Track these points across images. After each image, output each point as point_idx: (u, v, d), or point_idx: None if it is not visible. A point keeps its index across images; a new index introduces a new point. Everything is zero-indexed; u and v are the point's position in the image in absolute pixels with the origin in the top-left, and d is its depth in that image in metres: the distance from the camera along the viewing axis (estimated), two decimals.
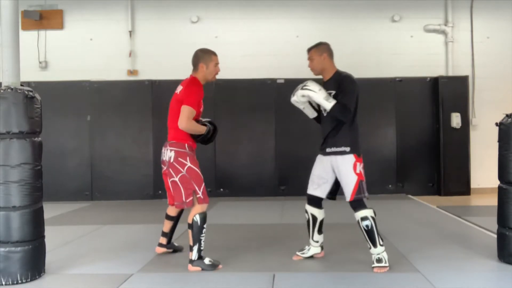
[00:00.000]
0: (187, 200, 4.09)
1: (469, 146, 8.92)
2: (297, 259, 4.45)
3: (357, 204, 4.10)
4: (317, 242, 4.44)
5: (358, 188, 4.06)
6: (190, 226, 4.08)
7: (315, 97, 4.05)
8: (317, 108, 4.34)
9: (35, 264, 3.84)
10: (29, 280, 3.79)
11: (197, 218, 4.06)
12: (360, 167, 4.11)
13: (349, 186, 4.08)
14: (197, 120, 4.21)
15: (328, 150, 4.19)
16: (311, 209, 4.39)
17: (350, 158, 4.09)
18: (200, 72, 4.24)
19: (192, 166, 4.11)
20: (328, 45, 4.36)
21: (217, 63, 4.29)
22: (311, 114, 4.36)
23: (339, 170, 4.13)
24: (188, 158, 4.11)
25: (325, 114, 4.23)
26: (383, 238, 4.14)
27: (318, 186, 4.30)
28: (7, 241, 3.72)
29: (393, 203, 7.86)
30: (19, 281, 3.74)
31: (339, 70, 4.33)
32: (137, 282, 3.88)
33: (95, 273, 4.11)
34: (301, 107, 4.30)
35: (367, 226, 4.03)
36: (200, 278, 3.94)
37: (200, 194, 4.09)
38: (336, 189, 4.31)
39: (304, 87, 4.09)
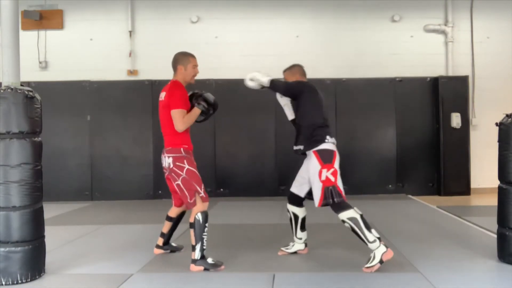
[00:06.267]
0: (191, 201, 4.18)
1: (469, 146, 8.92)
2: (281, 254, 4.59)
3: (334, 208, 4.13)
4: (300, 239, 4.59)
5: (324, 195, 4.10)
6: (192, 225, 4.11)
7: (258, 76, 4.36)
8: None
9: (35, 264, 3.84)
10: (29, 280, 3.79)
11: (199, 217, 4.10)
12: (327, 173, 4.12)
13: (316, 195, 4.17)
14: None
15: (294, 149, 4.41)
16: (292, 208, 4.55)
17: (316, 165, 4.17)
18: (179, 75, 4.34)
19: (190, 168, 4.19)
20: (301, 67, 4.61)
21: (195, 65, 4.36)
22: (290, 115, 4.58)
23: (309, 174, 4.27)
24: (185, 160, 4.19)
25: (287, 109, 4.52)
26: (376, 234, 4.07)
27: (299, 185, 4.46)
28: (7, 241, 3.72)
29: (393, 203, 7.86)
30: (19, 281, 3.75)
31: None
32: (137, 282, 3.88)
33: (95, 273, 4.11)
34: (282, 103, 4.59)
35: (349, 227, 4.07)
36: (200, 278, 3.95)
37: (202, 193, 4.18)
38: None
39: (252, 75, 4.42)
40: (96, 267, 4.28)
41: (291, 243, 4.63)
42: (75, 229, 6.05)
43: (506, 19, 9.10)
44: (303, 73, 4.57)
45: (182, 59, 4.35)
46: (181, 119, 4.13)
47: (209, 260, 4.13)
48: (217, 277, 3.96)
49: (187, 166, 4.17)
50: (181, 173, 4.16)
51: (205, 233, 4.11)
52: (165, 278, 4.01)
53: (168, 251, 4.72)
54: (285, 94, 4.41)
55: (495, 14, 9.17)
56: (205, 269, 4.09)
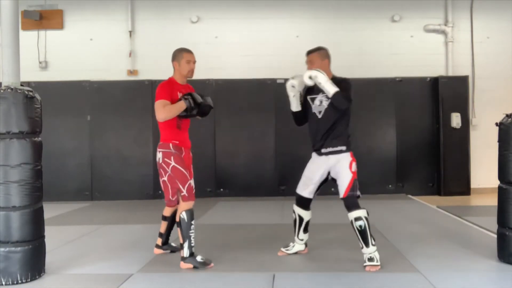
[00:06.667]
0: (173, 198, 4.24)
1: (469, 146, 8.92)
2: (281, 254, 4.57)
3: (351, 203, 4.14)
4: (302, 240, 4.58)
5: (352, 186, 4.14)
6: (179, 224, 4.16)
7: (322, 79, 4.10)
8: (303, 105, 4.43)
9: (35, 264, 3.84)
10: (29, 280, 3.79)
11: (184, 215, 4.12)
12: (355, 166, 4.21)
13: (344, 184, 4.16)
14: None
15: (324, 150, 4.28)
16: (299, 210, 4.52)
17: (347, 157, 4.22)
18: (176, 71, 4.37)
19: (176, 165, 4.18)
20: (328, 50, 4.41)
21: (189, 60, 4.31)
22: (296, 106, 4.40)
23: (336, 169, 4.23)
24: (172, 157, 4.19)
25: (319, 115, 4.29)
26: (375, 238, 4.17)
27: (307, 187, 4.41)
28: (7, 241, 3.72)
29: (393, 203, 7.86)
30: (19, 281, 3.75)
31: (336, 76, 4.37)
32: (137, 282, 3.88)
33: (95, 273, 4.11)
34: (291, 94, 4.36)
35: (360, 226, 4.07)
36: (199, 278, 3.95)
37: (184, 192, 4.16)
38: (318, 189, 4.43)
39: (314, 69, 4.17)
40: (96, 267, 4.28)
41: (291, 244, 4.62)
42: (75, 229, 6.05)
43: (506, 19, 9.10)
44: (330, 57, 4.37)
45: (176, 55, 4.36)
46: (161, 109, 4.10)
47: (198, 258, 4.15)
48: (217, 277, 3.96)
49: (173, 163, 4.18)
50: (167, 170, 4.19)
51: (191, 231, 4.13)
52: (165, 278, 4.01)
53: (168, 251, 4.73)
54: (347, 107, 4.21)
55: (495, 14, 9.17)
56: (195, 267, 4.11)
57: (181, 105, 4.18)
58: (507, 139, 4.11)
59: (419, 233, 5.55)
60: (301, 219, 4.51)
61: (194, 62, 4.37)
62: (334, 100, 4.12)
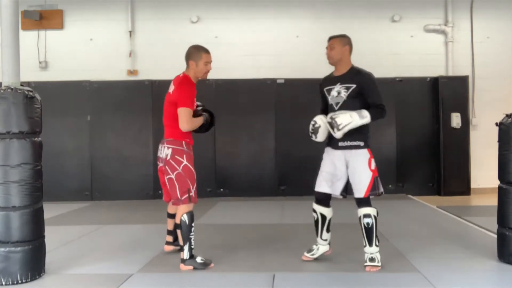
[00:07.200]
0: (183, 198, 4.11)
1: (469, 146, 8.92)
2: (306, 259, 4.37)
3: (364, 200, 4.06)
4: (325, 240, 4.36)
5: (373, 185, 4.03)
6: (179, 226, 4.12)
7: (355, 124, 3.99)
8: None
9: (35, 264, 3.84)
10: (29, 280, 3.79)
11: (185, 218, 4.09)
12: (374, 163, 4.10)
13: (363, 183, 4.03)
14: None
15: (341, 144, 4.14)
16: (320, 209, 4.29)
17: (365, 154, 4.11)
18: (190, 70, 4.22)
19: (188, 164, 4.12)
20: (351, 39, 4.30)
21: (207, 61, 4.21)
22: (322, 138, 4.27)
23: (353, 166, 4.10)
24: (184, 156, 4.12)
25: (336, 106, 4.16)
26: (379, 240, 4.15)
27: (332, 183, 4.20)
28: (7, 241, 3.72)
29: (393, 203, 7.85)
30: (19, 281, 3.74)
31: (355, 66, 4.26)
32: (137, 282, 3.88)
33: (95, 273, 4.11)
34: (318, 124, 4.22)
35: (367, 223, 4.02)
36: (199, 278, 3.94)
37: (192, 193, 4.13)
38: (348, 187, 4.24)
39: (341, 126, 3.97)
40: (96, 267, 4.28)
41: (315, 247, 4.38)
42: (75, 229, 6.05)
43: (506, 19, 9.10)
44: (352, 47, 4.25)
45: (194, 54, 4.21)
46: (188, 119, 4.06)
47: (198, 260, 4.13)
48: (217, 277, 3.96)
49: (185, 162, 4.11)
50: (177, 168, 4.10)
51: (192, 233, 4.10)
52: (165, 278, 4.01)
53: (179, 247, 4.58)
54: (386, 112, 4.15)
55: (495, 14, 9.17)
56: (195, 268, 4.09)
57: (201, 121, 4.23)
58: (507, 139, 4.11)
59: (419, 233, 5.55)
60: (323, 217, 4.28)
61: (211, 62, 4.27)
62: (374, 121, 4.08)
